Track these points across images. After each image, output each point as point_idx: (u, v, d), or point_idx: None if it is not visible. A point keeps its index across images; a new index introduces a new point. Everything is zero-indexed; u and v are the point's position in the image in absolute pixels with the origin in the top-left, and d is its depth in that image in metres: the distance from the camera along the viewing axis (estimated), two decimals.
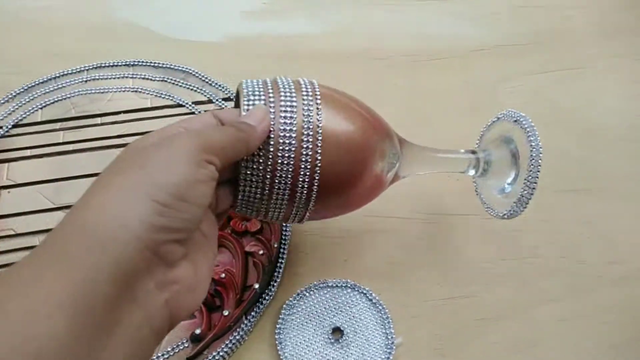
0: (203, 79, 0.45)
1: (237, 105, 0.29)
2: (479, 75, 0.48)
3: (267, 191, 0.26)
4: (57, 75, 0.45)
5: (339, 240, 0.38)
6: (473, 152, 0.35)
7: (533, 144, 0.31)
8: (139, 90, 0.44)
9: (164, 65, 0.46)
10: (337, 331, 0.34)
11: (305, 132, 0.26)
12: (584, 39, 0.51)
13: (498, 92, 0.47)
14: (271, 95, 0.26)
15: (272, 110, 0.26)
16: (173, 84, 0.45)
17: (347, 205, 0.31)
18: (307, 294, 0.35)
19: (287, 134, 0.26)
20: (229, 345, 0.33)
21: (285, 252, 0.37)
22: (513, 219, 0.33)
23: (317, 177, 0.26)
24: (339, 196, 0.29)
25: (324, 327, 0.34)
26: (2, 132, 0.41)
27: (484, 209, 0.36)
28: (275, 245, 0.36)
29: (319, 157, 0.26)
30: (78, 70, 0.45)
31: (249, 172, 0.26)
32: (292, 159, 0.26)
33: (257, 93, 0.26)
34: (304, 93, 0.27)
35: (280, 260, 0.36)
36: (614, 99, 0.47)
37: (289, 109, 0.26)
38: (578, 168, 0.43)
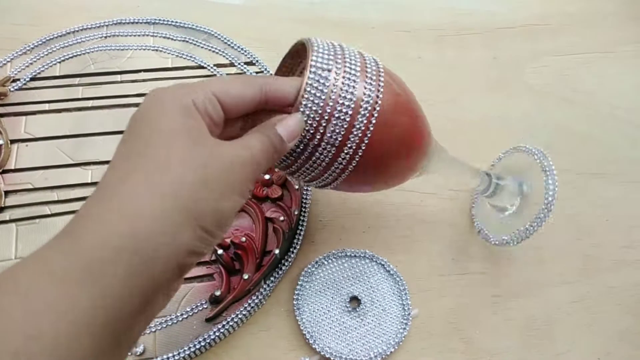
0: (225, 41, 0.44)
1: (284, 62, 0.29)
2: (505, 52, 0.47)
3: (308, 152, 0.26)
4: (76, 29, 0.43)
5: (358, 211, 0.38)
6: (487, 174, 0.35)
7: (551, 186, 0.32)
8: (160, 49, 0.43)
9: (186, 25, 0.45)
10: (355, 300, 0.35)
11: (362, 112, 0.26)
12: (614, 22, 0.50)
13: (524, 70, 0.46)
14: (339, 61, 0.26)
15: (335, 77, 0.26)
16: (194, 44, 0.44)
17: (371, 185, 0.31)
18: (326, 262, 0.35)
19: (345, 105, 0.26)
20: (247, 309, 0.33)
21: (305, 220, 0.36)
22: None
23: (359, 154, 0.27)
24: (369, 177, 0.29)
25: (341, 296, 0.34)
26: (19, 85, 0.40)
27: (474, 226, 0.37)
28: (296, 213, 0.36)
29: (369, 135, 0.26)
30: (98, 25, 0.44)
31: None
32: (343, 129, 0.26)
33: (326, 56, 0.26)
34: (368, 71, 0.27)
35: (300, 228, 0.36)
36: (639, 84, 0.47)
37: (351, 83, 0.26)
38: (599, 151, 0.43)
